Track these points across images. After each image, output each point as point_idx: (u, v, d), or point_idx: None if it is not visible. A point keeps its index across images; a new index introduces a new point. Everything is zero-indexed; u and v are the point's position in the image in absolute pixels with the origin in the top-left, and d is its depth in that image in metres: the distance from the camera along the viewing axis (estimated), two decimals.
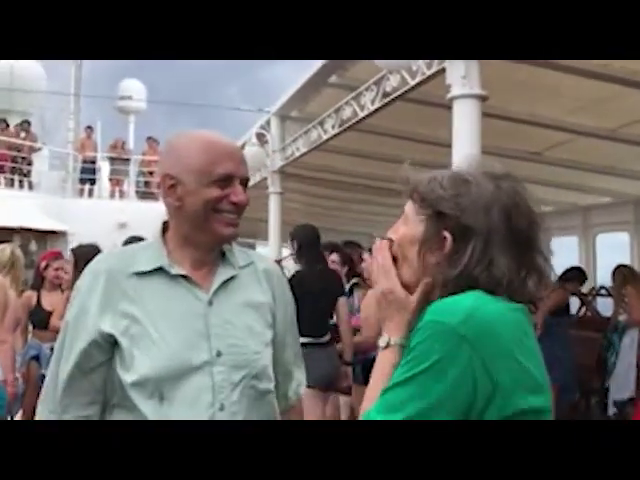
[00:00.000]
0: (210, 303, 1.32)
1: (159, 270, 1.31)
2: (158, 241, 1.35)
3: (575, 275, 5.42)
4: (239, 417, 1.29)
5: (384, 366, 1.06)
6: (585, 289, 6.79)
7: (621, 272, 5.26)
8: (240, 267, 1.39)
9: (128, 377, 1.26)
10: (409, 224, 1.09)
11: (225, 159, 1.29)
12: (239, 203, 1.30)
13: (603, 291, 6.88)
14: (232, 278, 1.36)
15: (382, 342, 1.09)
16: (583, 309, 6.56)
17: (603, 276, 6.40)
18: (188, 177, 1.28)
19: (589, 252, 7.91)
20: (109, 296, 1.29)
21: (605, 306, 6.40)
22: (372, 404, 1.00)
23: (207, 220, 1.29)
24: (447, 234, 1.03)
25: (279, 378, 1.44)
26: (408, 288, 1.09)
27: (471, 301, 0.97)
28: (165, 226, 1.38)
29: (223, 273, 1.36)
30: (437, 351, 0.93)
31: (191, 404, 1.26)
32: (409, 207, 1.11)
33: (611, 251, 7.23)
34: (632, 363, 4.97)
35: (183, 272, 1.32)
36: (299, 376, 1.54)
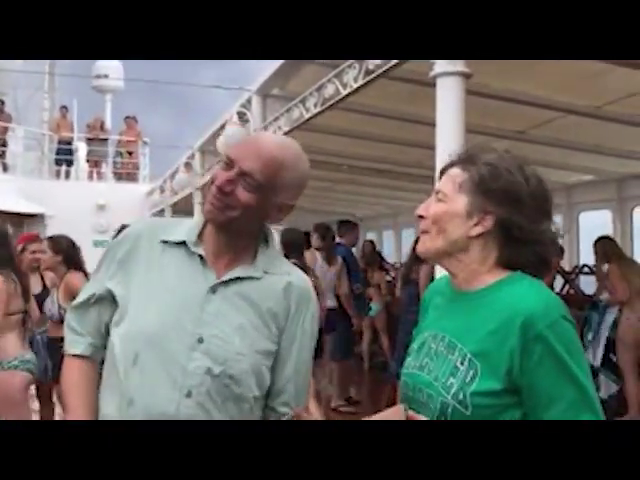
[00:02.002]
0: (214, 290, 1.32)
1: (184, 244, 1.36)
2: (198, 220, 1.40)
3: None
4: (204, 409, 1.26)
5: None
6: (568, 267, 6.81)
7: (603, 246, 5.15)
8: (267, 272, 1.37)
9: (114, 332, 1.34)
10: (449, 201, 1.19)
11: (238, 145, 1.35)
12: (217, 185, 1.30)
13: (586, 269, 6.91)
14: (251, 279, 1.35)
15: None
16: (566, 287, 6.60)
17: (586, 254, 6.43)
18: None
19: (572, 230, 7.93)
20: (129, 256, 1.37)
21: (588, 284, 6.44)
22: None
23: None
24: (492, 206, 1.15)
25: (272, 393, 1.37)
26: (441, 258, 1.22)
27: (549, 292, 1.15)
28: None
29: (242, 270, 1.35)
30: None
31: (159, 377, 1.27)
32: (447, 186, 1.21)
33: (593, 229, 7.26)
34: (604, 339, 4.97)
35: (201, 252, 1.35)
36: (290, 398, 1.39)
